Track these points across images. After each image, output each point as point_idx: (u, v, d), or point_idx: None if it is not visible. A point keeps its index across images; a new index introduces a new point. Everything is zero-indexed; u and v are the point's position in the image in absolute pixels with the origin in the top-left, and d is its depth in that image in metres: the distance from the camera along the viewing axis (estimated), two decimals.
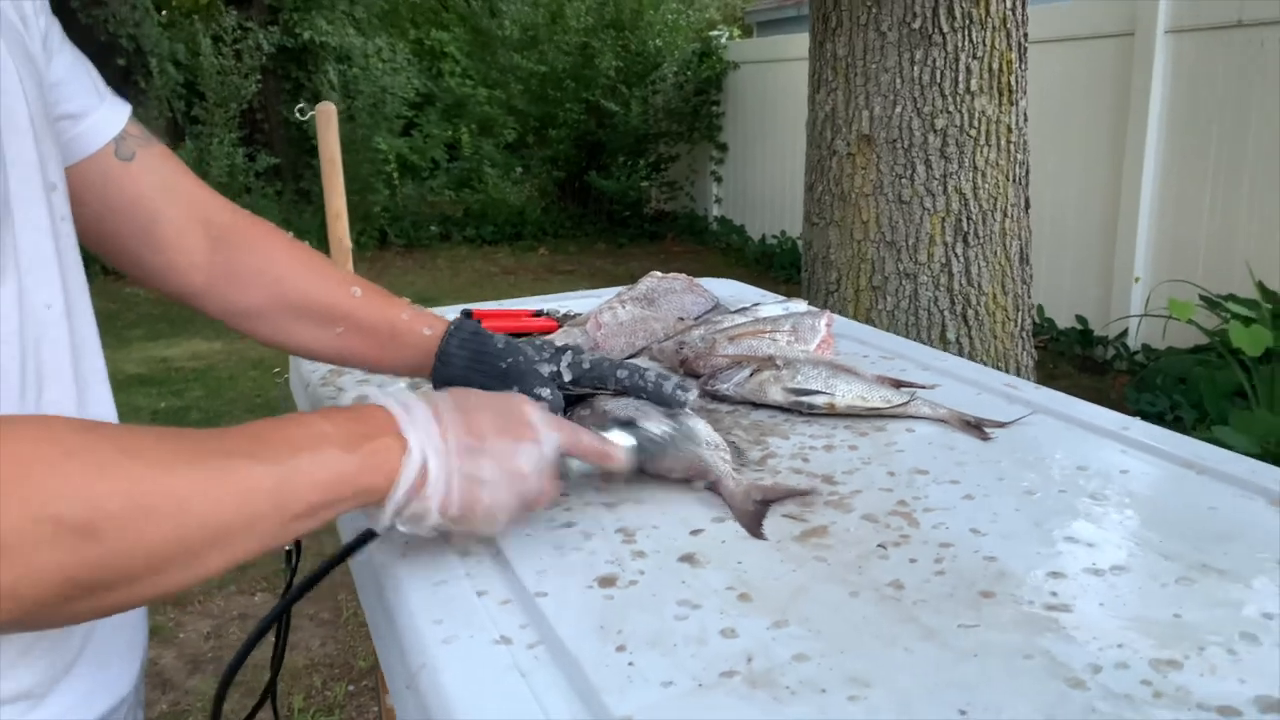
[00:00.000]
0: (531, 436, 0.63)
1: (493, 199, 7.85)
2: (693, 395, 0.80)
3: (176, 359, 4.82)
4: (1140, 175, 4.00)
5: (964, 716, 0.48)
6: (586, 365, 0.81)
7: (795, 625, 0.57)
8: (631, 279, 1.33)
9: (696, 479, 0.75)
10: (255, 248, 0.80)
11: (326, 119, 1.12)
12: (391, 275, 6.68)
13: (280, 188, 7.58)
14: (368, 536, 0.62)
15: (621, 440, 0.72)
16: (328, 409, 0.60)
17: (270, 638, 0.79)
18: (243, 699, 2.17)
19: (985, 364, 2.54)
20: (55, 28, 0.68)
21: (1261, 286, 3.34)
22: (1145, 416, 3.63)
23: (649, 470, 0.75)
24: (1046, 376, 4.19)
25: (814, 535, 0.68)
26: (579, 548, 0.67)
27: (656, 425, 0.75)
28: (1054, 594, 0.59)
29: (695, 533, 0.68)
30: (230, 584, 2.67)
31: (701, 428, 0.78)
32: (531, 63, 7.52)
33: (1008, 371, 2.57)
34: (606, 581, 0.62)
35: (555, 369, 0.80)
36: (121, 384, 4.44)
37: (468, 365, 0.80)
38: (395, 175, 7.48)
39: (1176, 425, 3.23)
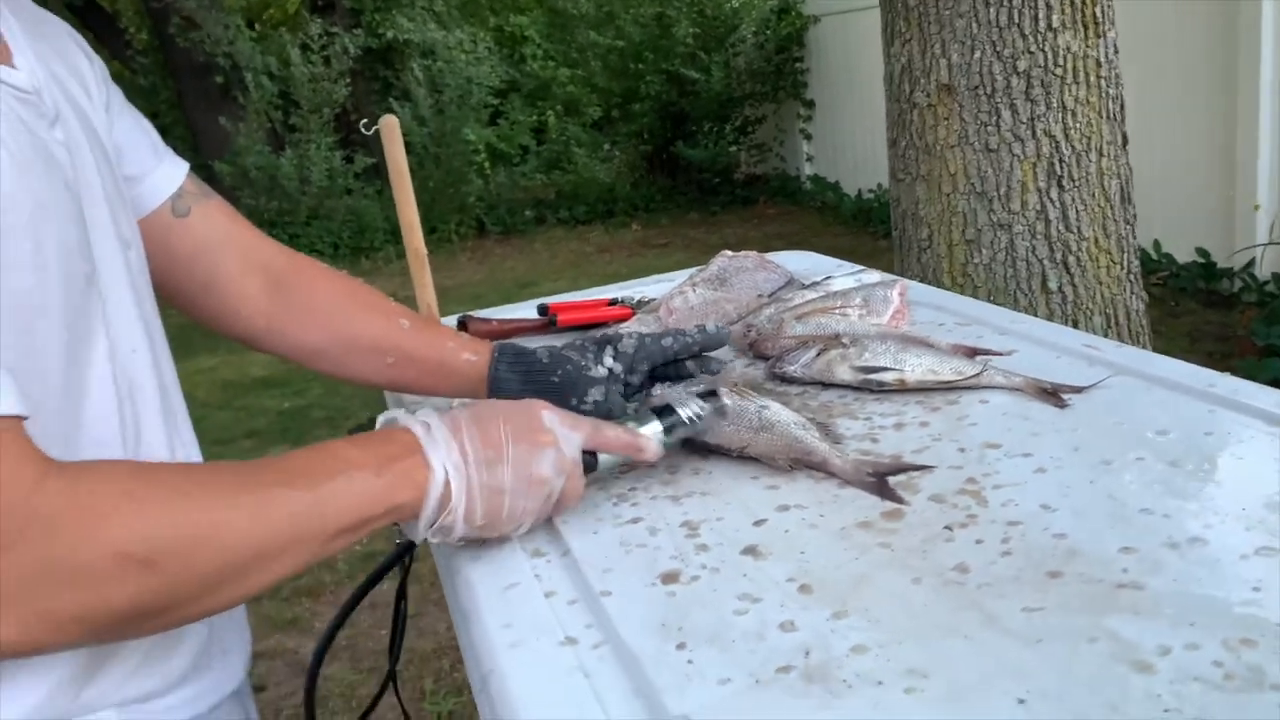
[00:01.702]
0: (548, 441, 0.67)
1: (583, 178, 7.90)
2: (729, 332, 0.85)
3: (182, 372, 5.03)
4: (1257, 99, 3.74)
5: (1022, 706, 0.48)
6: (631, 351, 0.83)
7: (855, 616, 0.57)
8: (725, 245, 1.33)
9: (799, 462, 0.76)
10: (311, 289, 0.86)
11: (390, 132, 1.15)
12: (491, 262, 6.80)
13: (380, 187, 7.80)
14: (408, 548, 0.68)
15: (650, 430, 0.74)
16: (357, 436, 0.65)
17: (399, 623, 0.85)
18: (377, 684, 2.29)
19: (1091, 311, 2.44)
20: (117, 95, 0.73)
21: None
22: (1275, 352, 3.41)
23: (745, 452, 0.77)
24: (1167, 314, 3.99)
25: (880, 520, 0.67)
26: (644, 544, 0.68)
27: (687, 408, 0.76)
28: (1125, 570, 0.57)
29: (759, 523, 0.69)
30: (359, 572, 2.80)
31: (782, 410, 0.79)
32: (609, 38, 7.50)
33: (1116, 317, 2.46)
34: (669, 578, 0.63)
35: (607, 368, 0.82)
36: (248, 387, 4.68)
37: (521, 385, 0.84)
38: (486, 164, 7.60)
39: None
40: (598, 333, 0.97)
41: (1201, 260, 4.18)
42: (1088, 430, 0.77)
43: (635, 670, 0.54)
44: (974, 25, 2.20)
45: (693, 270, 1.30)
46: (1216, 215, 4.08)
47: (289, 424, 4.07)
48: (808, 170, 7.46)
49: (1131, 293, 2.47)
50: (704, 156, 7.50)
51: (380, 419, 0.70)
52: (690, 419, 0.76)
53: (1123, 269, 2.43)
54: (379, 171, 7.82)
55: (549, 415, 0.69)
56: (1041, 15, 2.17)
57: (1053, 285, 2.38)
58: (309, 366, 0.87)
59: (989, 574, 0.59)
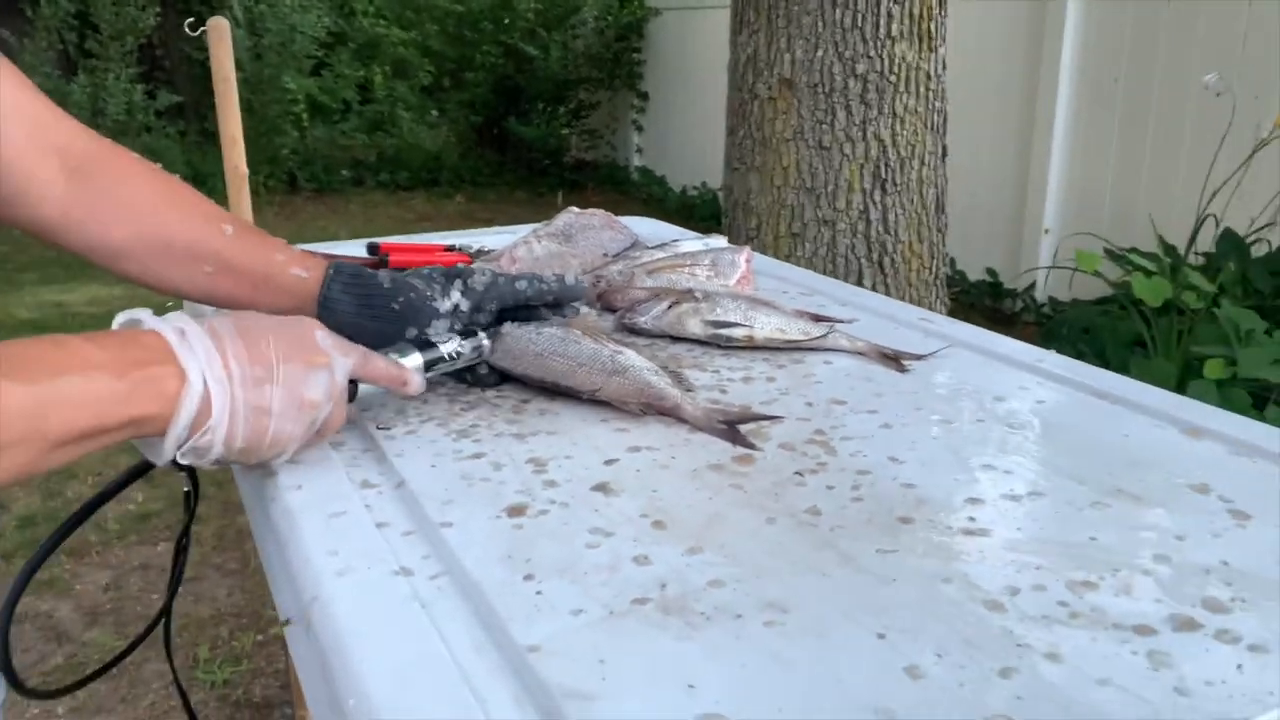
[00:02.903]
0: (323, 362, 0.61)
1: (407, 143, 7.63)
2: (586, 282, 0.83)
3: (73, 304, 4.59)
4: (1050, 129, 4.08)
5: (882, 640, 0.47)
6: (480, 288, 0.78)
7: (710, 551, 0.55)
8: None
9: (650, 407, 0.73)
10: (118, 180, 0.74)
11: (219, 35, 1.04)
12: (301, 219, 6.45)
13: (184, 128, 7.24)
14: (144, 468, 0.61)
15: (410, 363, 0.71)
16: (93, 333, 0.56)
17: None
18: (144, 650, 2.10)
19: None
20: None
21: (1162, 240, 3.45)
22: None
23: (597, 395, 0.74)
24: (927, 310, 4.27)
25: (731, 463, 0.66)
26: (487, 478, 0.63)
27: (452, 344, 0.75)
28: (971, 519, 0.58)
29: (609, 462, 0.66)
30: (131, 534, 2.56)
31: (635, 356, 0.76)
32: (448, 2, 7.28)
33: None
34: (516, 511, 0.59)
35: (453, 303, 0.77)
36: (12, 329, 4.21)
37: (356, 310, 0.76)
38: (305, 117, 7.19)
39: None
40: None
41: (990, 279, 4.52)
42: (928, 394, 0.78)
43: (478, 600, 0.50)
44: (819, 24, 2.26)
45: (537, 225, 1.26)
46: (1007, 237, 4.42)
47: None
48: (636, 161, 7.52)
49: (936, 297, 2.62)
50: (536, 135, 7.41)
51: (119, 319, 0.60)
52: (450, 355, 0.74)
53: (931, 274, 2.57)
54: (183, 111, 7.26)
55: (322, 335, 0.63)
56: (883, 22, 2.26)
57: (867, 283, 2.49)
58: (111, 269, 0.75)
59: (841, 517, 0.59)
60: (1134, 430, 0.71)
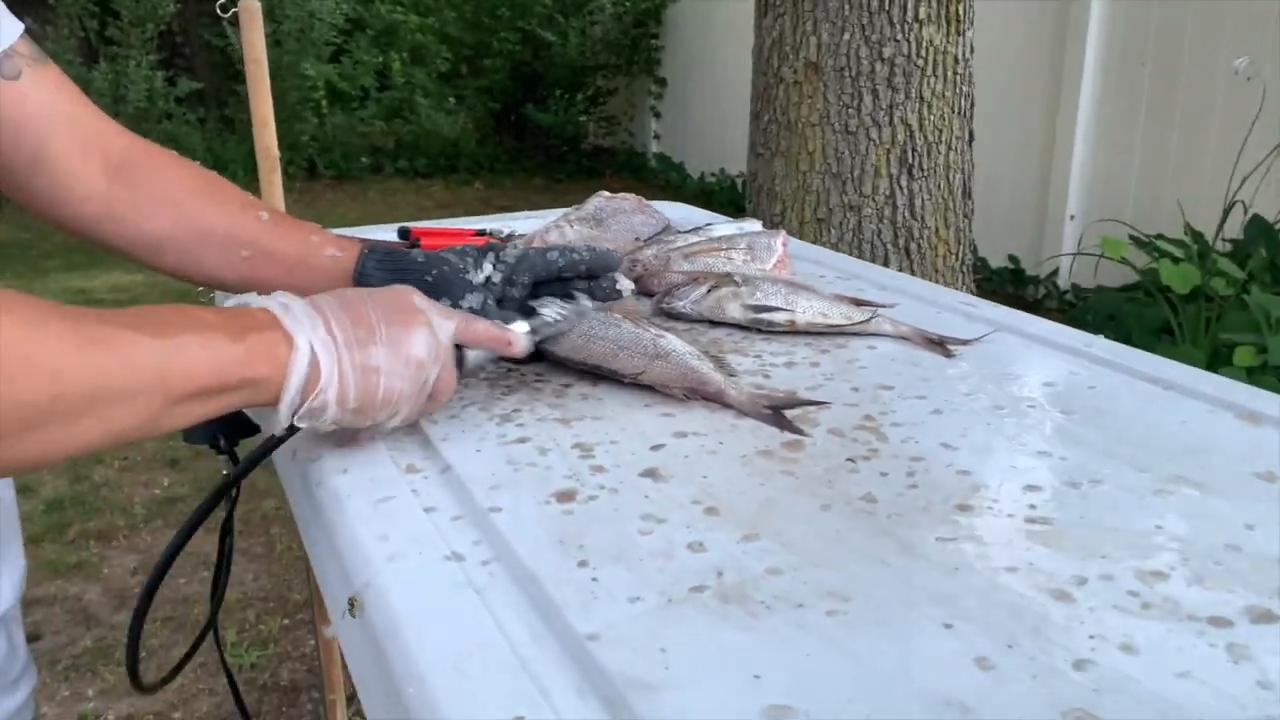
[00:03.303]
0: (422, 321, 0.62)
1: (426, 130, 7.62)
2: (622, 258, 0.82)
3: (96, 291, 4.61)
4: (1075, 115, 4.03)
5: (949, 630, 0.46)
6: (512, 260, 0.78)
7: (766, 539, 0.53)
8: None
9: (694, 392, 0.72)
10: (155, 175, 0.75)
11: (250, 16, 1.03)
12: (321, 206, 6.46)
13: (203, 115, 7.25)
14: (276, 442, 0.60)
15: (519, 327, 0.71)
16: (206, 306, 0.57)
17: (203, 571, 0.74)
18: (172, 634, 2.11)
19: None
20: None
21: (1189, 227, 3.40)
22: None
23: (640, 379, 0.73)
24: (969, 295, 4.24)
25: (781, 449, 0.64)
26: (534, 463, 0.63)
27: (554, 309, 0.74)
28: (1032, 506, 0.57)
29: (656, 448, 0.65)
30: (157, 518, 2.58)
31: (677, 340, 0.75)
32: None
33: None
34: (565, 496, 0.58)
35: (485, 275, 0.76)
36: None
37: (389, 284, 0.76)
38: (324, 103, 7.19)
39: None
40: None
41: (1012, 266, 4.48)
42: (977, 378, 0.77)
43: (533, 588, 0.49)
44: (846, 7, 2.24)
45: (567, 209, 1.24)
46: (1030, 223, 4.38)
47: None
48: (654, 148, 7.49)
49: (963, 283, 2.60)
50: (553, 122, 7.38)
51: (228, 301, 0.61)
52: (555, 319, 0.74)
53: (958, 260, 2.54)
54: (203, 98, 7.28)
55: (419, 299, 0.63)
56: (910, 5, 2.22)
57: (893, 269, 2.47)
58: (151, 263, 0.76)
59: (898, 505, 0.57)
60: (1190, 416, 0.69)
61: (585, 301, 0.77)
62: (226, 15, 1.01)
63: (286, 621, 2.18)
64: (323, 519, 0.58)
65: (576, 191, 7.00)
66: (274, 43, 6.95)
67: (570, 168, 7.61)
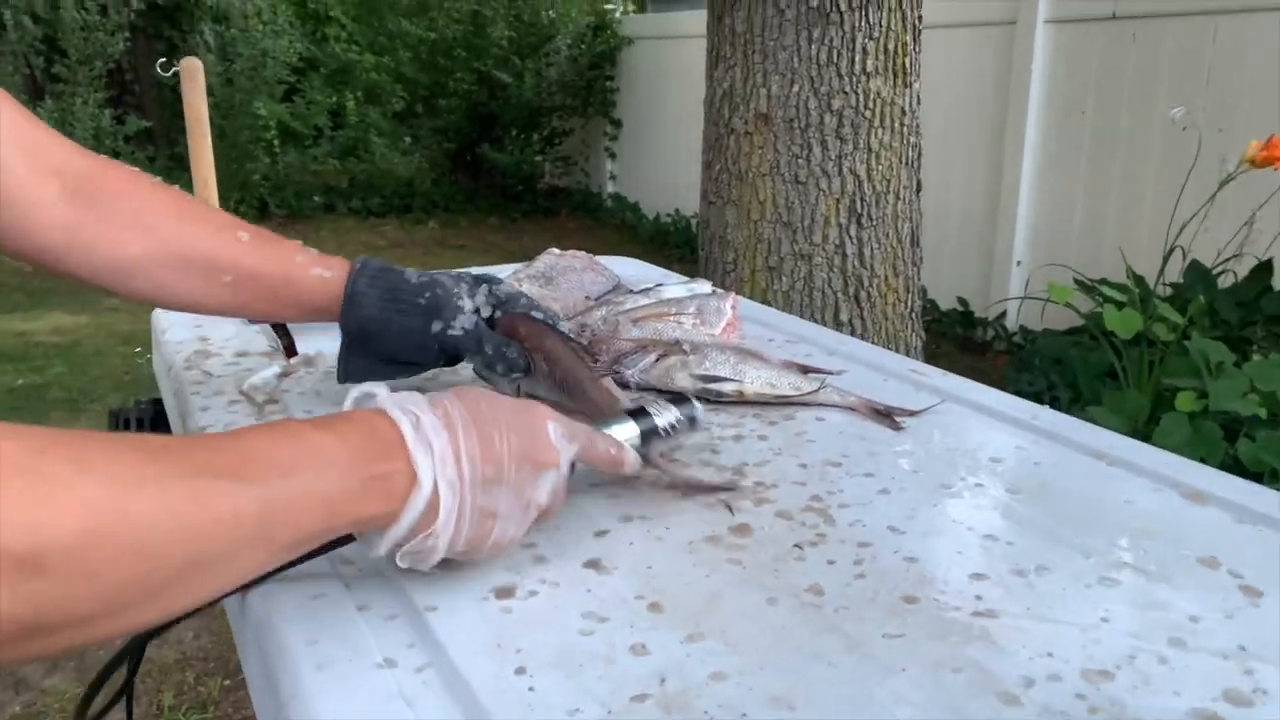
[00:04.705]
0: (552, 462, 0.57)
1: (380, 169, 7.59)
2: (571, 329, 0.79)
3: (36, 333, 4.49)
4: (1020, 161, 4.12)
5: None
6: (504, 297, 0.78)
7: (711, 639, 0.52)
8: (524, 255, 1.27)
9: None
10: (123, 196, 0.71)
11: (192, 75, 1.01)
12: None
13: (153, 153, 7.15)
14: (344, 541, 0.54)
15: (625, 435, 0.67)
16: (330, 419, 0.52)
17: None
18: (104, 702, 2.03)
19: (876, 345, 2.57)
20: None
21: (1131, 271, 3.48)
22: (1024, 396, 3.75)
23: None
24: (930, 356, 4.29)
25: (728, 535, 0.63)
26: None
27: (664, 415, 0.69)
28: (979, 598, 0.56)
29: (600, 534, 0.63)
30: None
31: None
32: (421, 29, 7.27)
33: (898, 352, 2.61)
34: (504, 593, 0.56)
35: (476, 305, 0.76)
36: None
37: (381, 304, 0.74)
38: (276, 142, 7.14)
39: (1054, 405, 3.35)
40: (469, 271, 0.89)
41: (961, 309, 4.55)
42: (924, 454, 0.77)
43: (467, 698, 0.47)
44: (795, 59, 2.27)
45: (518, 265, 1.23)
46: (978, 267, 4.46)
47: (21, 404, 3.61)
48: (610, 188, 7.53)
49: (912, 330, 2.63)
50: (509, 162, 7.40)
51: (351, 396, 0.56)
52: (666, 429, 0.69)
53: (907, 307, 2.57)
54: (152, 137, 7.18)
55: (554, 428, 0.58)
56: (858, 58, 2.26)
57: (844, 317, 2.49)
58: (123, 290, 0.72)
59: (845, 596, 0.56)
60: (1135, 495, 0.69)
61: (699, 409, 0.72)
62: (168, 74, 0.99)
63: (228, 683, 2.11)
64: (251, 618, 0.56)
65: (532, 230, 7.00)
66: (225, 81, 6.90)
67: (526, 207, 7.61)
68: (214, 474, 0.44)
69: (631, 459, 0.66)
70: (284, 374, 0.92)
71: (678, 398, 0.72)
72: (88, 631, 0.40)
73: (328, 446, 0.49)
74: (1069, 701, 0.47)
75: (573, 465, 0.61)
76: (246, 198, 6.95)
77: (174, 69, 1.02)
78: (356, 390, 0.57)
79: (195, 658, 2.18)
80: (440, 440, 0.52)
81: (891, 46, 2.31)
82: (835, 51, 2.26)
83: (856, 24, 2.25)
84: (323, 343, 0.99)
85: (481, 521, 0.54)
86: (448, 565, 0.56)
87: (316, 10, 8.49)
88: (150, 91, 7.30)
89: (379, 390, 0.55)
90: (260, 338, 1.04)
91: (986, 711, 0.46)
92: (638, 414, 0.69)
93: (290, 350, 0.95)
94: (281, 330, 0.95)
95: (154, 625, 0.45)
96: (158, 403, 1.06)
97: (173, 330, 1.06)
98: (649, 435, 0.69)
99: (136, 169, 0.75)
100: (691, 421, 0.71)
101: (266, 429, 0.50)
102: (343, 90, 7.85)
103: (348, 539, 0.53)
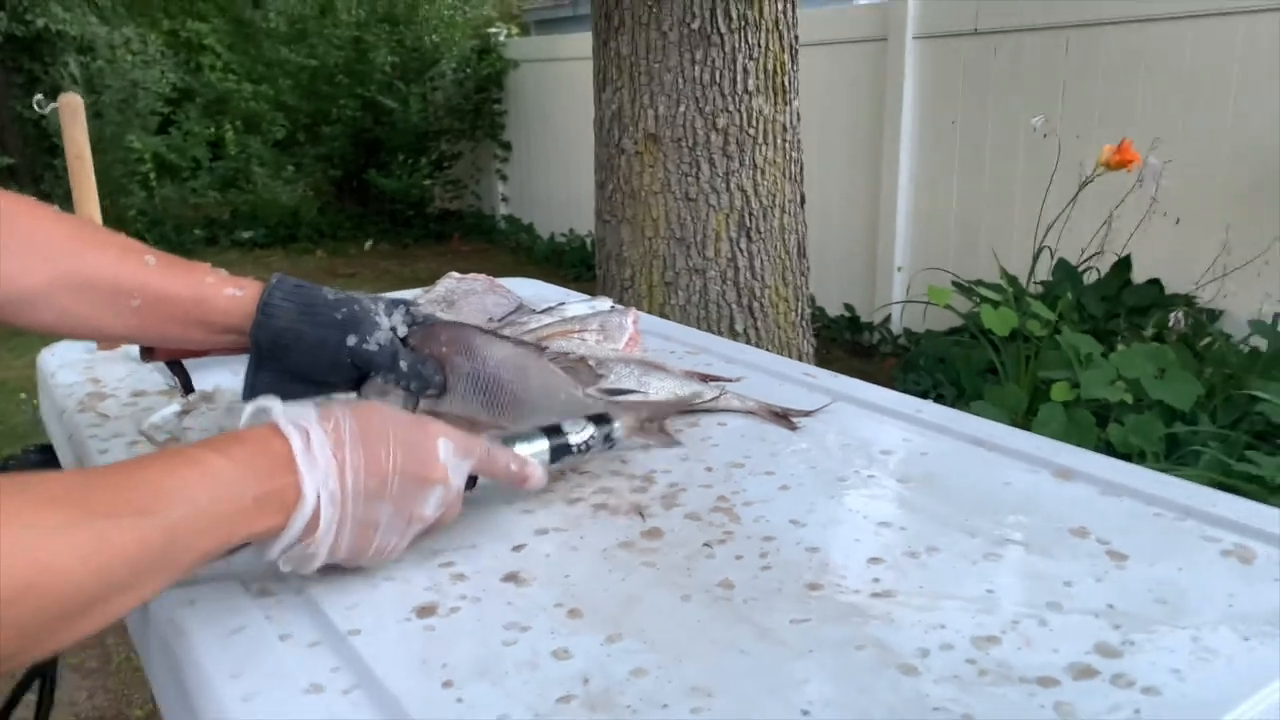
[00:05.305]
0: (439, 478, 0.60)
1: (263, 199, 7.40)
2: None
3: None
4: (896, 171, 4.30)
5: (807, 716, 0.48)
6: (421, 319, 0.79)
7: (630, 638, 0.54)
8: (419, 280, 1.28)
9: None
10: (23, 223, 0.69)
11: (72, 112, 0.99)
12: None
13: (17, 192, 6.80)
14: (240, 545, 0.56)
15: (534, 451, 0.69)
16: (224, 437, 0.54)
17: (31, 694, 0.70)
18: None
19: (770, 352, 2.65)
20: None
21: (1004, 272, 3.67)
22: (911, 395, 3.91)
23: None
24: (821, 361, 4.41)
25: (641, 539, 0.66)
26: (391, 577, 0.62)
27: (578, 433, 0.72)
28: (876, 580, 0.60)
29: (518, 548, 0.65)
30: None
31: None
32: (301, 57, 7.13)
33: (791, 357, 2.69)
34: (426, 611, 0.58)
35: (392, 324, 0.77)
36: None
37: (297, 317, 0.73)
38: (152, 176, 6.89)
39: (940, 402, 3.50)
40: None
41: (848, 315, 4.72)
42: (819, 451, 0.81)
43: (397, 714, 0.48)
44: (680, 80, 2.33)
45: (418, 290, 1.24)
46: (862, 274, 4.62)
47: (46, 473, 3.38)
48: (502, 210, 7.52)
49: (804, 337, 2.71)
50: (397, 187, 7.31)
51: (247, 410, 0.58)
52: (579, 447, 0.71)
53: (797, 315, 2.66)
54: (15, 174, 6.84)
55: (445, 445, 0.60)
56: (740, 78, 2.34)
57: (739, 327, 2.56)
58: (26, 322, 0.70)
59: (753, 588, 0.60)
60: (1012, 476, 0.75)
61: (618, 428, 0.75)
62: (44, 112, 0.97)
63: None
64: (169, 658, 0.56)
65: (425, 256, 6.93)
66: (94, 114, 6.63)
67: (417, 232, 7.53)
68: (118, 513, 0.47)
69: (537, 475, 0.68)
70: (184, 411, 0.91)
71: (599, 417, 0.75)
72: (5, 666, 0.43)
73: (222, 470, 0.52)
74: (961, 667, 0.51)
75: (473, 479, 0.63)
76: (122, 233, 6.69)
77: (52, 106, 0.99)
78: (252, 405, 0.58)
79: (90, 717, 2.09)
80: (325, 454, 0.55)
81: (770, 66, 2.39)
82: (718, 72, 2.33)
83: (737, 45, 2.33)
84: (221, 378, 0.98)
85: (362, 532, 0.57)
86: (340, 571, 0.60)
87: (189, 39, 8.25)
88: (12, 127, 6.96)
89: (273, 404, 0.58)
90: (155, 375, 1.02)
91: (888, 683, 0.50)
92: (551, 431, 0.71)
93: (187, 387, 0.94)
94: (177, 367, 0.93)
95: (58, 650, 0.47)
96: (46, 449, 1.03)
97: (61, 373, 1.03)
98: (560, 451, 0.71)
99: (33, 198, 0.73)
100: (607, 440, 0.74)
101: (163, 457, 0.52)
102: (221, 120, 7.64)
103: (243, 544, 0.56)
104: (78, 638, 0.46)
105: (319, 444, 0.55)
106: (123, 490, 0.48)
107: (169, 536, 0.48)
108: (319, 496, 0.54)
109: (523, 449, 0.69)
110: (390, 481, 0.57)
